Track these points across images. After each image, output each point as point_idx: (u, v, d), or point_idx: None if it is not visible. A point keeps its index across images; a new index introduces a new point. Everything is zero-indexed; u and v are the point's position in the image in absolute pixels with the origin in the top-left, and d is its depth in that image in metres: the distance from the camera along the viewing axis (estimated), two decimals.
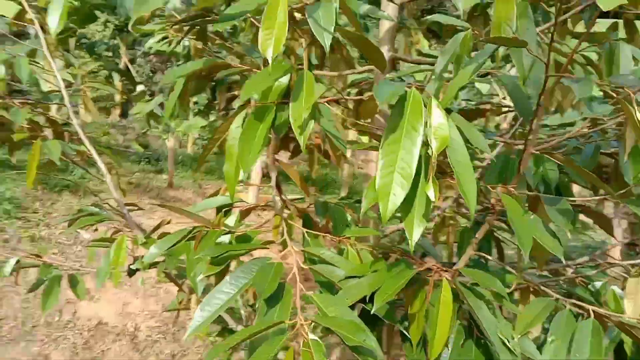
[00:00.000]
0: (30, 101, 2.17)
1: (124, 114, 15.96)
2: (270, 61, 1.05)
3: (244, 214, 1.73)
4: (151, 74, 14.44)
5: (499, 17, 1.24)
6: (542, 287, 1.46)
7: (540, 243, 1.22)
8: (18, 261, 1.85)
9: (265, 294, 1.08)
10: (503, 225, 1.84)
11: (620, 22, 1.90)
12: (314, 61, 2.41)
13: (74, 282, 1.94)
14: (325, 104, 1.66)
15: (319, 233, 1.51)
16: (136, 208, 2.38)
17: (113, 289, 4.59)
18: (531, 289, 1.56)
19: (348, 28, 1.46)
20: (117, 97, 15.32)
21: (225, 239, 1.45)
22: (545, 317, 1.30)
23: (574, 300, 1.37)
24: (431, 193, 0.90)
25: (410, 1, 2.66)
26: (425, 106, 0.93)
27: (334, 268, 1.25)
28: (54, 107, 2.65)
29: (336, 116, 2.03)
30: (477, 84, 2.24)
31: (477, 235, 1.40)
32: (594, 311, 1.31)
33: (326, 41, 1.12)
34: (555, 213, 1.30)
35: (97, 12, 10.99)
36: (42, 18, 2.41)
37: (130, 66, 13.95)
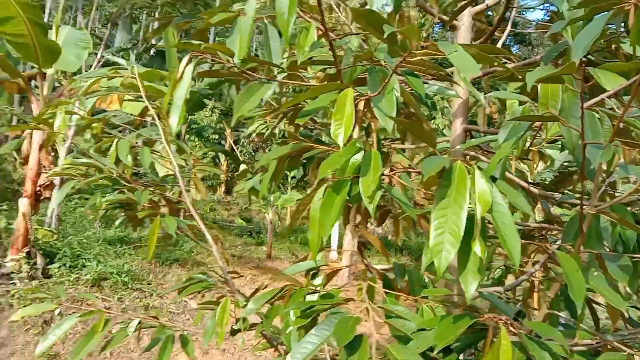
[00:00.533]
0: (149, 184, 2.55)
1: (228, 191, 17.03)
2: (341, 146, 1.28)
3: (330, 276, 1.92)
4: (253, 153, 15.43)
5: (545, 93, 1.41)
6: (617, 344, 1.49)
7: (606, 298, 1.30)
8: (139, 322, 2.15)
9: (342, 342, 1.25)
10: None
11: None
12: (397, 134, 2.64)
13: (184, 342, 2.20)
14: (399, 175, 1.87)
15: (396, 293, 1.67)
16: (237, 276, 2.65)
17: (218, 356, 4.87)
18: (608, 347, 1.59)
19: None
20: (222, 176, 16.43)
21: (313, 297, 1.65)
22: None
23: None
24: (478, 249, 1.05)
25: (485, 76, 2.84)
26: (469, 174, 1.10)
27: (407, 322, 1.39)
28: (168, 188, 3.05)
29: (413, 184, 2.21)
30: (548, 151, 2.33)
31: (549, 294, 1.49)
32: None
33: (388, 126, 1.34)
34: (616, 269, 1.37)
35: (205, 100, 12.12)
36: (158, 110, 2.86)
37: (234, 147, 15.05)
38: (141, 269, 5.84)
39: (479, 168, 1.12)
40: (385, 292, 1.72)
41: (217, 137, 15.54)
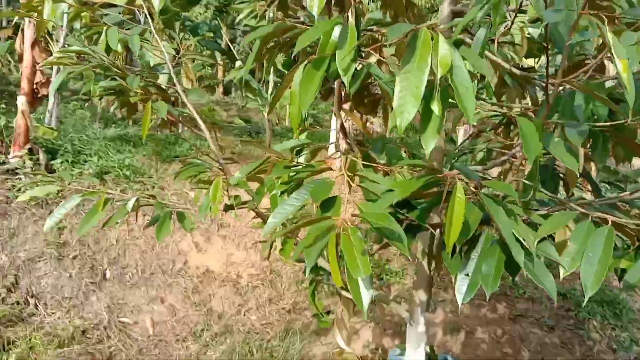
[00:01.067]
0: (141, 72, 2.61)
1: (226, 92, 16.90)
2: (316, 17, 1.34)
3: (315, 152, 2.05)
4: (250, 51, 15.12)
5: None
6: (573, 205, 1.64)
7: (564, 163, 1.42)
8: (137, 200, 2.30)
9: (317, 200, 1.39)
10: None
11: None
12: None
13: (181, 217, 2.37)
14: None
15: (374, 165, 1.80)
16: (232, 162, 2.79)
17: (220, 242, 5.15)
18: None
19: None
20: (220, 75, 16.24)
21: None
22: (565, 224, 1.50)
23: (598, 213, 1.55)
24: (436, 109, 1.16)
25: None
26: (432, 40, 1.18)
27: (379, 185, 1.53)
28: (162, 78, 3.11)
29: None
30: (530, 29, 2.37)
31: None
32: (612, 221, 1.49)
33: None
34: (573, 132, 1.47)
35: None
36: (149, 3, 2.86)
37: (230, 45, 14.74)
38: (142, 164, 6.00)
39: (442, 34, 1.19)
40: (365, 165, 1.85)
41: (212, 34, 15.17)
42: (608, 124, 1.59)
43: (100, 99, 2.56)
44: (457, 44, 1.23)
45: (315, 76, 1.55)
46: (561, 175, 2.19)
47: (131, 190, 5.19)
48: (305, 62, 1.64)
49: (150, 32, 2.84)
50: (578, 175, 1.72)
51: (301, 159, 1.92)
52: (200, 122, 2.60)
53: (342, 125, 2.11)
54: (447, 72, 1.15)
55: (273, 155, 1.69)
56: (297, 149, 1.96)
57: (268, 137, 9.82)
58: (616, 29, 1.57)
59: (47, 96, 5.34)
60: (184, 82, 2.88)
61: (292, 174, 1.58)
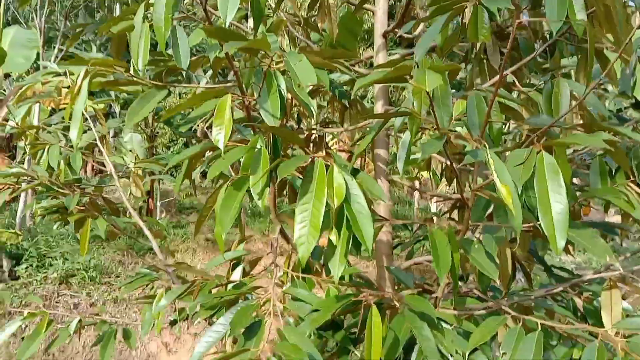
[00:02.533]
0: (89, 185, 2.63)
1: (204, 175, 17.01)
2: (222, 149, 1.36)
3: (253, 263, 2.03)
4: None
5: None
6: (504, 307, 1.63)
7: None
8: (80, 321, 2.24)
9: (235, 330, 1.36)
10: None
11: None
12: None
13: (127, 335, 2.30)
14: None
15: (308, 276, 1.78)
16: (186, 267, 2.75)
17: (190, 341, 5.00)
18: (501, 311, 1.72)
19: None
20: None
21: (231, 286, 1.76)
22: (493, 332, 1.48)
23: (529, 317, 1.54)
24: (333, 238, 1.16)
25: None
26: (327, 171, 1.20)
27: (304, 304, 1.51)
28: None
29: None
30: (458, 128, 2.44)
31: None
32: (541, 324, 1.48)
33: (275, 123, 1.43)
34: (489, 239, 1.49)
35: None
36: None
37: (207, 132, 14.97)
38: (111, 261, 5.91)
39: (338, 164, 1.22)
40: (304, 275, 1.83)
41: (187, 126, 15.43)
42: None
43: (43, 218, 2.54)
44: (355, 172, 1.25)
45: (237, 197, 1.56)
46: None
47: (97, 292, 5.07)
48: (227, 182, 1.67)
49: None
50: (511, 275, 1.72)
51: (237, 273, 1.90)
52: (147, 231, 2.59)
53: (282, 230, 2.11)
54: (342, 201, 1.17)
55: (200, 277, 1.67)
56: (234, 262, 1.95)
57: (242, 222, 9.83)
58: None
59: (9, 202, 5.31)
60: (133, 191, 2.89)
61: (218, 297, 1.56)
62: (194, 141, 14.98)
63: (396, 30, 2.57)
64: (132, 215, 2.59)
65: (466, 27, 1.36)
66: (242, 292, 1.59)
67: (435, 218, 2.57)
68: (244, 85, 1.65)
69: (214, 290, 1.68)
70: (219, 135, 1.36)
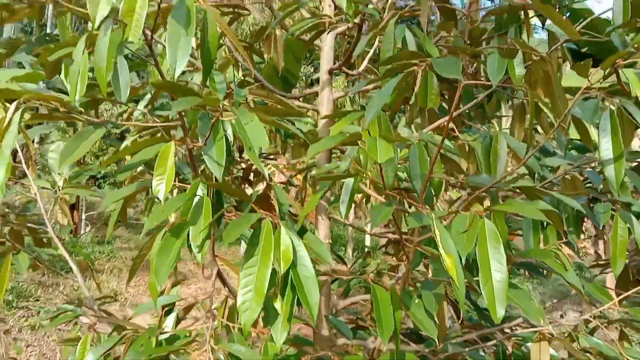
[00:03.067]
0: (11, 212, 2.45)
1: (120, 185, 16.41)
2: (162, 201, 1.30)
3: (187, 310, 1.95)
4: None
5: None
6: None
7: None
8: None
9: None
10: None
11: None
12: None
13: None
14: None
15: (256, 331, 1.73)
16: (112, 300, 2.62)
17: None
18: None
19: None
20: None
21: (164, 336, 1.67)
22: None
23: None
24: (277, 305, 1.13)
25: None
26: (274, 232, 1.17)
27: None
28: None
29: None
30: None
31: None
32: None
33: (218, 174, 1.38)
34: (429, 296, 1.50)
35: None
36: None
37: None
38: (30, 281, 5.56)
39: (285, 225, 1.19)
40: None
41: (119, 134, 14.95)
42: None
43: None
44: (302, 231, 1.23)
45: (174, 244, 1.49)
46: None
47: (13, 319, 4.74)
48: (164, 229, 1.59)
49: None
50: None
51: (170, 321, 1.82)
52: (73, 266, 2.44)
53: (219, 273, 2.05)
54: (289, 266, 1.14)
55: (130, 329, 1.58)
56: (167, 309, 1.86)
57: None
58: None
59: None
60: (59, 218, 2.72)
61: (148, 356, 1.48)
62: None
63: (342, 68, 2.59)
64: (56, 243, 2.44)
65: (413, 87, 1.37)
66: (174, 349, 1.51)
67: (372, 262, 2.57)
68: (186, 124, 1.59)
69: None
70: (160, 186, 1.30)
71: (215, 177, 1.38)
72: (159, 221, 1.39)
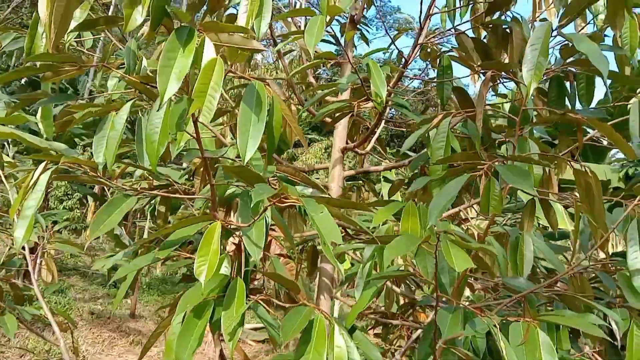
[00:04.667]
0: None
1: None
2: (203, 283, 1.23)
3: None
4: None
5: (404, 228, 1.47)
6: None
7: None
8: None
9: None
10: None
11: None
12: None
13: None
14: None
15: None
16: None
17: None
18: None
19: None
20: (89, 218, 15.35)
21: None
22: None
23: None
24: None
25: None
26: (330, 327, 1.11)
27: None
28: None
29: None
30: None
31: None
32: None
33: (257, 256, 1.32)
34: None
35: (77, 139, 11.42)
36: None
37: (105, 189, 14.16)
38: None
39: (338, 323, 1.13)
40: None
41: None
42: None
43: None
44: (352, 330, 1.17)
45: (197, 327, 1.41)
46: None
47: None
48: (186, 309, 1.51)
49: None
50: None
51: None
52: (56, 328, 2.29)
53: (221, 354, 1.94)
54: None
55: None
56: None
57: (134, 295, 9.15)
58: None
59: None
60: (43, 275, 2.57)
61: None
62: (89, 198, 14.09)
63: (356, 149, 2.60)
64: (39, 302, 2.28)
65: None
66: None
67: None
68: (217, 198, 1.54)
69: None
70: (202, 268, 1.22)
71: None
72: (193, 303, 1.30)
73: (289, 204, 1.24)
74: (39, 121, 2.02)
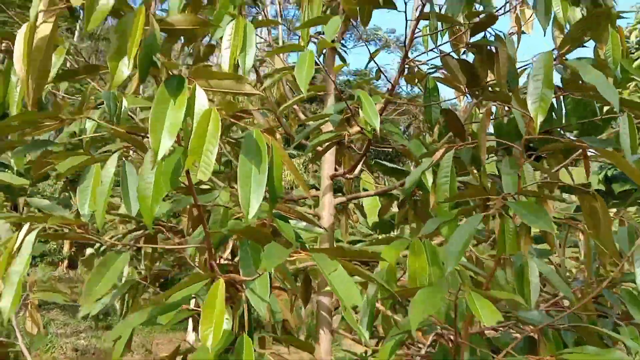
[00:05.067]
0: None
1: (72, 265, 15.43)
2: (210, 348, 1.15)
3: None
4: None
5: (413, 269, 1.43)
6: None
7: None
8: None
9: None
10: None
11: None
12: None
13: None
14: None
15: None
16: None
17: None
18: None
19: None
20: (66, 249, 15.00)
21: None
22: None
23: None
24: None
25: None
26: None
27: None
28: None
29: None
30: None
31: None
32: None
33: (262, 311, 1.25)
34: None
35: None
36: None
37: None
38: None
39: None
40: None
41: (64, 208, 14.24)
42: None
43: None
44: None
45: None
46: None
47: None
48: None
49: None
50: None
51: None
52: None
53: None
54: None
55: None
56: None
57: None
58: None
59: None
60: (28, 326, 2.45)
61: None
62: None
63: (346, 175, 2.55)
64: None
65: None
66: None
67: None
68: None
69: None
70: (208, 332, 1.15)
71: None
72: None
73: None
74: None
